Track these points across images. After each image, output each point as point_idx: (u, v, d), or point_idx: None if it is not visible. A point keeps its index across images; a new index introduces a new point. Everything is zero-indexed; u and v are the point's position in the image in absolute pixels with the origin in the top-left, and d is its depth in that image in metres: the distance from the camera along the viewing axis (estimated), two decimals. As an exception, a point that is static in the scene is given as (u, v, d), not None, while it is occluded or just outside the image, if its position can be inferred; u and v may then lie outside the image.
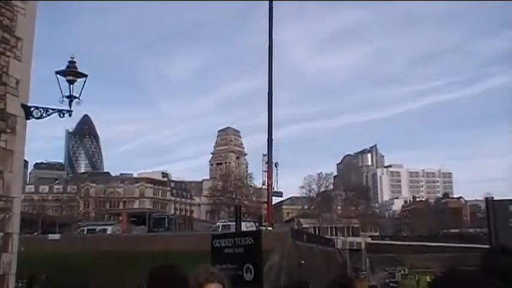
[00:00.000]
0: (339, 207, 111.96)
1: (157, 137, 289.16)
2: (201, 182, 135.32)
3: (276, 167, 48.50)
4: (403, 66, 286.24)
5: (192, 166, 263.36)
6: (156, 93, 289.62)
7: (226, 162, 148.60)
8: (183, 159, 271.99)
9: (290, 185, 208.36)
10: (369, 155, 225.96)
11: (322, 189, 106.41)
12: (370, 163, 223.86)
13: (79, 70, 7.81)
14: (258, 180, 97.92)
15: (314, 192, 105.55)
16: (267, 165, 49.56)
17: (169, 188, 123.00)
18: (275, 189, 48.74)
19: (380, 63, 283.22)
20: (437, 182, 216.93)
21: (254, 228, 39.17)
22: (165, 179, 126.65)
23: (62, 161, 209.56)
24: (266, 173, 49.47)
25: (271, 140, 49.80)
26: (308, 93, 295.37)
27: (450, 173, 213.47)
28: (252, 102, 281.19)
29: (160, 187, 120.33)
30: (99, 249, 37.98)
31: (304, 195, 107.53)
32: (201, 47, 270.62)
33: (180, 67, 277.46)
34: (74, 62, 7.88)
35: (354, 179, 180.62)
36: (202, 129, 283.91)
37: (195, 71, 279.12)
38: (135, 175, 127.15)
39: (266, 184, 49.58)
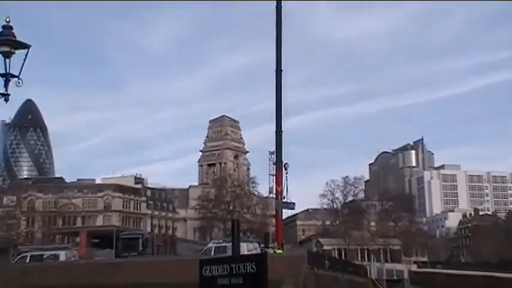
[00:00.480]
0: (373, 223, 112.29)
1: (128, 129, 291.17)
2: (187, 190, 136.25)
3: (285, 169, 48.51)
4: (459, 31, 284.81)
5: (175, 168, 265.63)
6: (127, 70, 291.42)
7: (220, 163, 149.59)
8: (162, 159, 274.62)
9: (306, 193, 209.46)
10: (413, 153, 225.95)
11: (350, 198, 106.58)
12: (414, 163, 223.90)
13: (18, 39, 7.31)
14: (264, 187, 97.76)
15: (339, 202, 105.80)
16: (274, 166, 49.58)
17: (144, 198, 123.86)
18: (286, 199, 48.78)
19: (429, 27, 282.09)
20: (509, 189, 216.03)
21: (258, 251, 39.19)
22: (139, 186, 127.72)
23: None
24: (274, 177, 49.47)
25: (281, 133, 49.83)
26: (330, 71, 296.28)
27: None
28: (254, 82, 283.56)
29: (132, 197, 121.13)
30: (48, 283, 37.94)
31: (325, 206, 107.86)
32: (186, 9, 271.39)
33: (159, 36, 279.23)
34: (11, 28, 7.30)
35: (392, 185, 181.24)
36: (189, 119, 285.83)
37: (178, 41, 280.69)
38: (98, 181, 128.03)
39: (274, 192, 49.62)
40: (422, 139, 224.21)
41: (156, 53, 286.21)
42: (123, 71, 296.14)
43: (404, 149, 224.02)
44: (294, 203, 49.43)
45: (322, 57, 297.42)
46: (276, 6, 49.88)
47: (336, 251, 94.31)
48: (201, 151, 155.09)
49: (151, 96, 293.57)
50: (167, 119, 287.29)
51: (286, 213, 58.10)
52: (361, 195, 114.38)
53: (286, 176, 48.34)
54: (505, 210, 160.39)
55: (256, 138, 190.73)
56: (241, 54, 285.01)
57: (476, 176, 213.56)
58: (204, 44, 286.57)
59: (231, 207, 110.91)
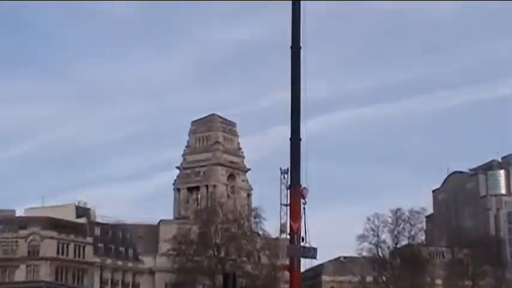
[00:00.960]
0: (439, 280, 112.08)
1: (66, 134, 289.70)
2: (157, 226, 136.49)
3: (304, 197, 48.29)
4: None
5: (138, 193, 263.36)
6: (66, 44, 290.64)
7: (207, 187, 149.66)
8: (119, 178, 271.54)
9: (336, 233, 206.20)
10: (502, 174, 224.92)
11: (404, 241, 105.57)
12: (503, 190, 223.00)
13: None
14: (272, 223, 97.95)
15: (387, 248, 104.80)
16: (288, 192, 49.49)
17: (91, 239, 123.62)
18: (305, 242, 48.59)
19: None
20: None
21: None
22: (83, 220, 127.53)
23: None
24: (288, 209, 49.29)
25: (299, 141, 49.71)
26: (369, 50, 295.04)
27: None
28: (258, 66, 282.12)
29: (72, 237, 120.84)
30: None
31: (365, 253, 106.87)
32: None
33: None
34: None
35: (469, 222, 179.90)
36: (161, 119, 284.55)
37: (148, 3, 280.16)
38: (19, 213, 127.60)
39: (288, 231, 49.47)
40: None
41: (114, 20, 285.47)
42: (61, 46, 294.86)
43: (489, 167, 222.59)
44: (315, 249, 49.10)
45: (357, 30, 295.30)
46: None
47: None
48: (178, 168, 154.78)
49: (104, 85, 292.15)
50: (127, 119, 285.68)
51: (305, 263, 57.68)
52: (421, 237, 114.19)
53: (305, 207, 48.17)
54: None
55: (262, 149, 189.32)
56: (239, 25, 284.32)
57: None
58: (184, 8, 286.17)
59: (222, 254, 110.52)
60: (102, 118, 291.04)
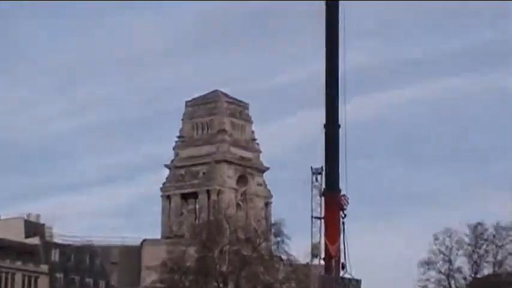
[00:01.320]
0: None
1: (12, 124, 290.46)
2: (139, 248, 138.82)
3: (343, 209, 48.72)
4: None
5: (111, 203, 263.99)
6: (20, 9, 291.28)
7: (209, 192, 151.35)
8: (87, 183, 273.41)
9: (386, 257, 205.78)
10: None
11: (488, 269, 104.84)
12: None
13: None
14: (300, 243, 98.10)
15: (462, 278, 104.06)
16: (322, 200, 49.96)
17: (45, 267, 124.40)
18: (346, 271, 49.14)
19: None
20: None
21: None
22: (36, 240, 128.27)
23: None
24: (322, 223, 49.84)
25: (336, 129, 50.21)
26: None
27: None
28: (280, 26, 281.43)
29: (19, 264, 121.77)
30: None
31: (432, 286, 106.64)
32: None
33: None
34: None
35: None
36: (142, 100, 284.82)
37: None
38: None
39: (322, 255, 50.11)
40: None
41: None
42: (15, 11, 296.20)
43: None
44: (359, 281, 49.67)
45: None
46: None
47: None
48: (167, 167, 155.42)
49: (64, 59, 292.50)
50: (96, 101, 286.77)
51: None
52: (511, 263, 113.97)
53: (344, 221, 48.51)
54: None
55: (285, 141, 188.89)
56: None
57: None
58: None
59: (230, 286, 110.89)
60: (61, 102, 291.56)
